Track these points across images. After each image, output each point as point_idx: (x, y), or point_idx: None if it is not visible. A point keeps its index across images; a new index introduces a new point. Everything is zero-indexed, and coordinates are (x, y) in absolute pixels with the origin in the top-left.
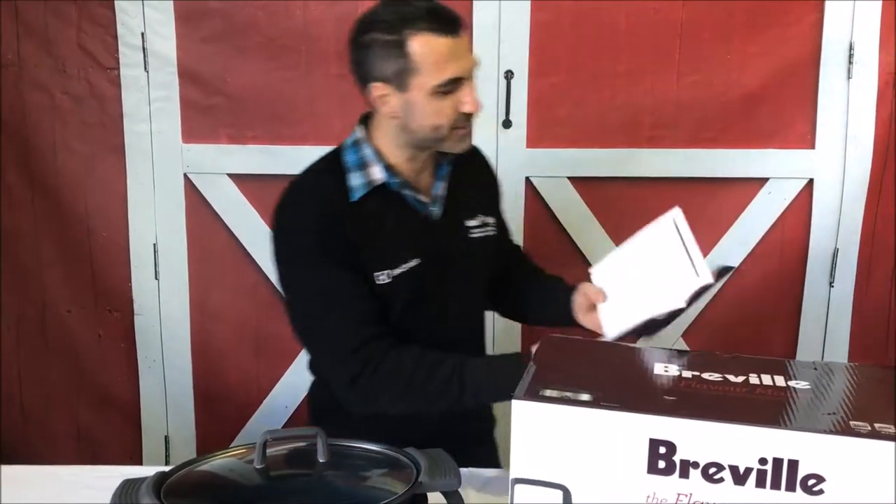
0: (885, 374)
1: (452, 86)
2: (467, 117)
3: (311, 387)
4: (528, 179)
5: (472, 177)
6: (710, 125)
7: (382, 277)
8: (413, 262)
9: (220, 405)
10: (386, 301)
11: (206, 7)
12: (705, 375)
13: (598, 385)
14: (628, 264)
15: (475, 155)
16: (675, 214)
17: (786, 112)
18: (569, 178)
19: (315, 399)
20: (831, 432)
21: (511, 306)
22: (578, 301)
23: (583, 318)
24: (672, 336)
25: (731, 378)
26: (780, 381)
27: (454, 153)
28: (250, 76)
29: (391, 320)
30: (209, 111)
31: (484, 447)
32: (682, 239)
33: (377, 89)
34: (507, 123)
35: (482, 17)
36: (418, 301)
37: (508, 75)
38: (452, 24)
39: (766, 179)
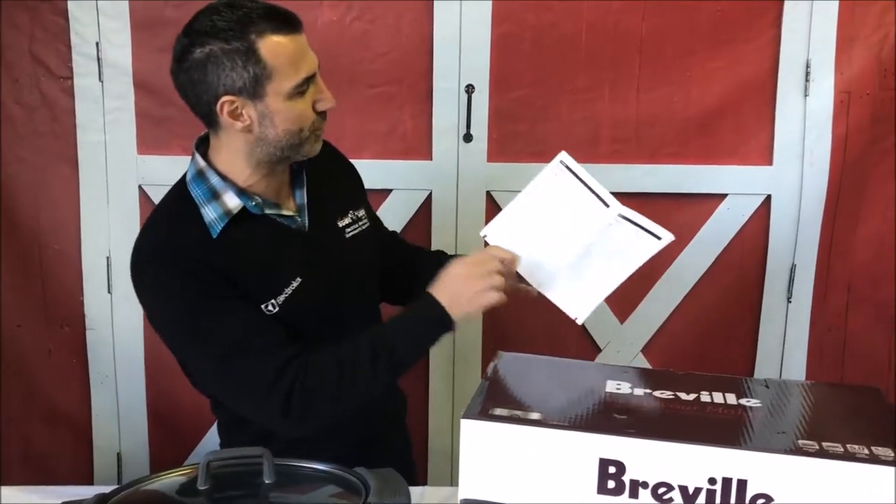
0: (836, 393)
1: (307, 85)
2: (323, 116)
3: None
4: (489, 194)
5: (330, 175)
6: (670, 141)
7: (270, 307)
8: (296, 283)
9: (174, 422)
10: (281, 327)
11: (162, 16)
12: (657, 393)
13: (548, 403)
14: (528, 216)
15: (324, 149)
16: (563, 157)
17: (744, 128)
18: None
19: (223, 426)
20: (780, 451)
21: (401, 290)
22: None
23: None
24: (632, 351)
25: (683, 396)
26: (731, 398)
27: (308, 158)
28: None
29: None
30: (164, 122)
31: (397, 431)
32: (577, 177)
33: (227, 104)
34: (467, 137)
35: (443, 31)
36: (313, 318)
37: (469, 89)
38: (293, 21)
39: (724, 195)
